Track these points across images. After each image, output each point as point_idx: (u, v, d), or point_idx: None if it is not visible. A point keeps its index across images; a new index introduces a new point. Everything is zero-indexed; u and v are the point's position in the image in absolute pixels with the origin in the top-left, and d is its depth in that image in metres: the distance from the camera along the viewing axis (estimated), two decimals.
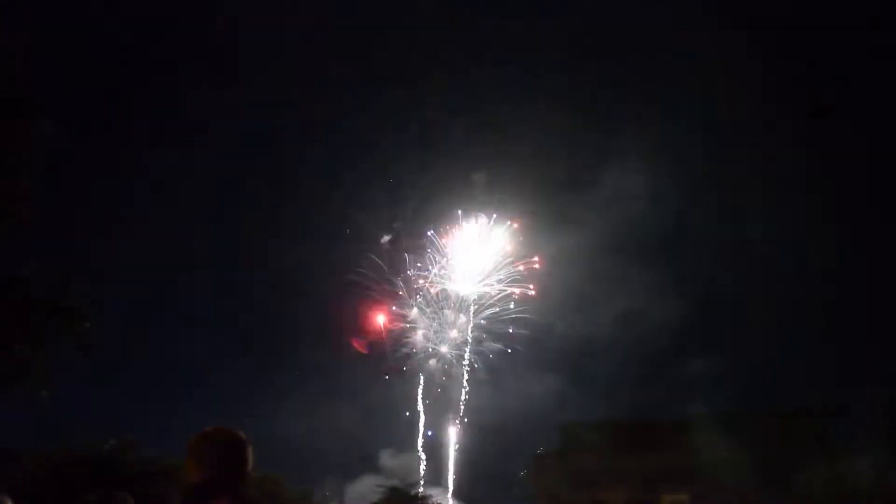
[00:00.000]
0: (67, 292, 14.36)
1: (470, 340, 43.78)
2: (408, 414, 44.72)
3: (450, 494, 44.28)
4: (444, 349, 44.19)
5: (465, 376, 44.13)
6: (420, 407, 44.59)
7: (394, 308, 44.20)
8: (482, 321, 43.75)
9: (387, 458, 43.70)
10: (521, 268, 43.07)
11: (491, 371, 43.79)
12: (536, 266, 43.04)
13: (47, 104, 14.86)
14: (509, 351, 43.67)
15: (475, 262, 42.80)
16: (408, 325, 44.02)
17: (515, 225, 43.27)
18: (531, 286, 43.05)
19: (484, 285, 43.32)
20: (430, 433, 43.91)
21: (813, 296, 46.66)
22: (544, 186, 48.60)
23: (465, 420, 44.86)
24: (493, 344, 43.59)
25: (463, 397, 44.57)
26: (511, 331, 43.59)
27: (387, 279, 44.02)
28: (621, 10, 52.77)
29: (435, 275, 43.27)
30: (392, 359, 43.42)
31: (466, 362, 43.94)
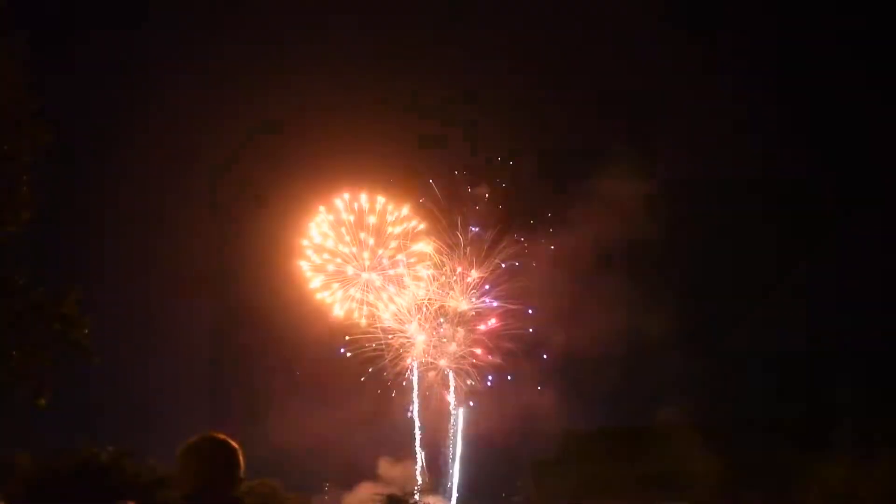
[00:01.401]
0: (65, 300, 14.37)
1: (467, 355, 44.02)
2: (406, 419, 44.74)
3: (450, 502, 44.25)
4: (442, 362, 44.38)
5: (464, 386, 44.29)
6: (417, 417, 44.67)
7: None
8: (480, 336, 44.06)
9: (385, 467, 43.64)
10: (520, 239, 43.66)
11: (489, 380, 43.90)
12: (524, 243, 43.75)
13: (47, 110, 14.92)
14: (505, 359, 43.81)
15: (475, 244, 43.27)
16: (407, 340, 44.20)
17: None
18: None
19: (482, 303, 43.79)
20: (409, 413, 44.00)
21: (810, 299, 46.79)
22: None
23: (463, 428, 44.92)
24: (490, 357, 43.81)
25: (461, 406, 44.68)
26: (509, 344, 43.81)
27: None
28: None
29: (434, 291, 43.57)
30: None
31: (465, 374, 44.13)
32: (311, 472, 43.87)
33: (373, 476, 42.93)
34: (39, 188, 14.70)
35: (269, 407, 41.52)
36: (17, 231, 14.31)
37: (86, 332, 14.49)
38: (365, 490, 41.35)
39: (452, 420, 44.66)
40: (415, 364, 44.06)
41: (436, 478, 44.45)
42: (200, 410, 46.95)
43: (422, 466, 44.20)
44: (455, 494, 44.37)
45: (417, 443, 44.30)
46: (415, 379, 44.24)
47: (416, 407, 44.46)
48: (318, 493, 44.02)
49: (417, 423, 44.63)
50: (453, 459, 44.64)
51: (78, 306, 14.43)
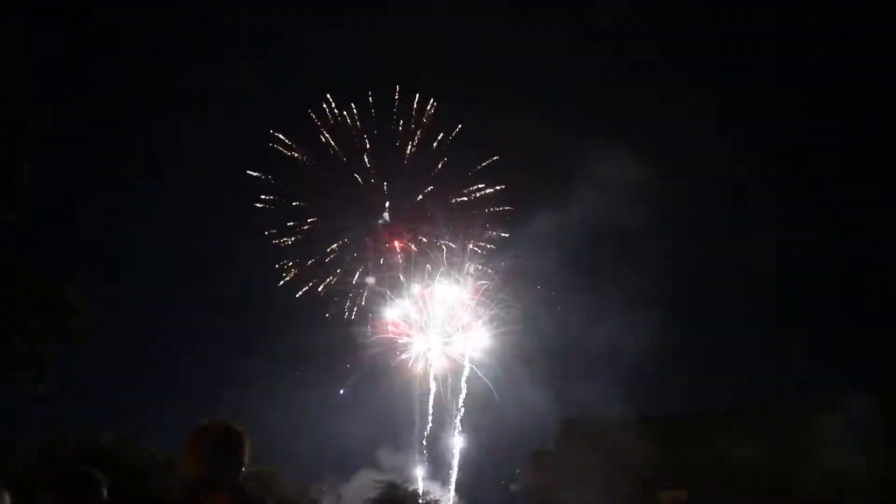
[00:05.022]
0: (65, 287, 14.40)
1: (466, 355, 44.28)
2: (407, 407, 45.00)
3: (451, 492, 44.48)
4: (443, 360, 44.63)
5: (464, 377, 44.48)
6: (417, 406, 44.90)
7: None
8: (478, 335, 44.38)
9: (385, 455, 43.85)
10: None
11: (488, 372, 44.11)
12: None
13: (46, 97, 14.89)
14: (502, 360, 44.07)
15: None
16: (407, 335, 44.42)
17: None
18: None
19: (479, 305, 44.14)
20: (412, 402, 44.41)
21: (809, 291, 46.91)
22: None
23: (464, 417, 45.14)
24: (488, 358, 44.11)
25: (461, 396, 44.88)
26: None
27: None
28: None
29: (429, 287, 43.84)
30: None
31: (464, 368, 44.38)
32: (310, 459, 44.10)
33: (372, 463, 43.17)
34: (39, 176, 14.70)
35: (268, 394, 41.68)
36: (17, 218, 14.31)
37: (82, 319, 14.52)
38: (364, 477, 41.52)
39: (452, 409, 44.90)
40: (416, 353, 44.31)
41: (435, 465, 44.74)
42: (200, 398, 47.13)
43: (421, 454, 44.46)
44: (454, 482, 44.65)
45: (417, 431, 44.56)
46: (418, 368, 44.51)
47: (417, 395, 44.73)
48: (317, 479, 44.23)
49: (417, 412, 44.90)
50: (453, 448, 44.90)
51: (78, 293, 14.47)
